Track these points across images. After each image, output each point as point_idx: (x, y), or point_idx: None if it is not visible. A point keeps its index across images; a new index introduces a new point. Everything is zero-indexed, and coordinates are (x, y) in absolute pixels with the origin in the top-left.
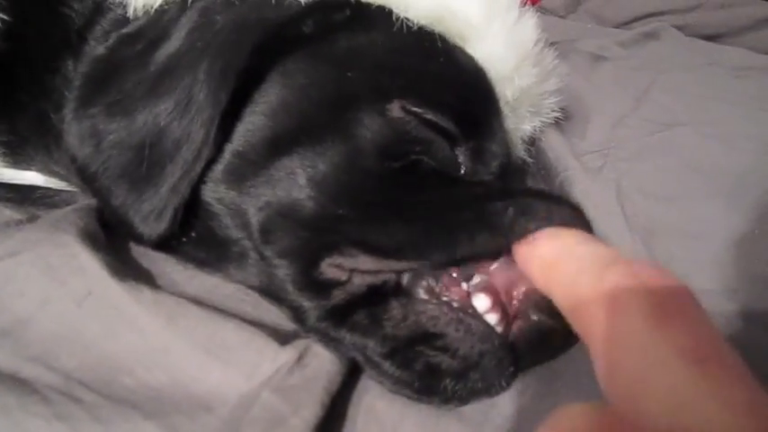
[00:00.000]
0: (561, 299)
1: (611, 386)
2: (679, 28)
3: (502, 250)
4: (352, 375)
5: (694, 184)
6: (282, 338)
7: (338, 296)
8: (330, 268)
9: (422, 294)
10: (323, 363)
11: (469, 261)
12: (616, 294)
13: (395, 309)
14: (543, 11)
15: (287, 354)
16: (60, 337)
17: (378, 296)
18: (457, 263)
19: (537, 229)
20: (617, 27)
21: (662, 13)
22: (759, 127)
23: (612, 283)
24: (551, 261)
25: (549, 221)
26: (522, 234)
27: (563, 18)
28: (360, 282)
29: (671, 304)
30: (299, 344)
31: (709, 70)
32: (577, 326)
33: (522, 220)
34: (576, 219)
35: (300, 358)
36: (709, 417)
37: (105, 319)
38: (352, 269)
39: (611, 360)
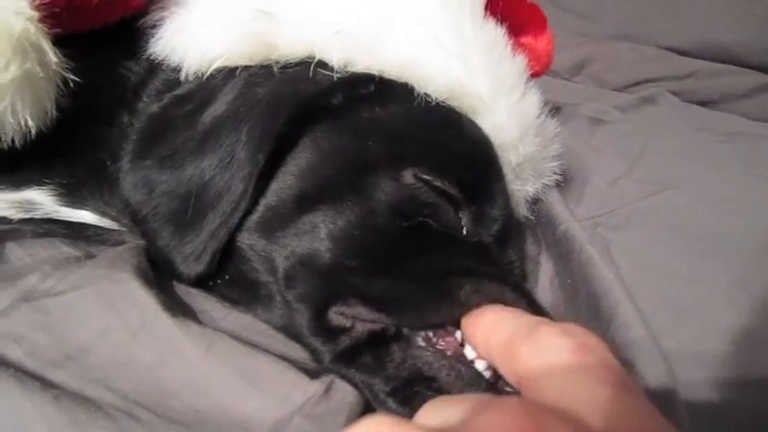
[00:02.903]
0: (497, 351)
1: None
2: (675, 93)
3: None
4: (369, 408)
5: (676, 247)
6: (309, 373)
7: (344, 341)
8: (336, 316)
9: (419, 341)
10: (346, 395)
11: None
12: (546, 339)
13: (395, 352)
14: (549, 73)
15: (315, 386)
16: (117, 363)
17: (380, 340)
18: (427, 327)
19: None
20: (617, 90)
21: (659, 79)
22: (743, 190)
23: (543, 333)
24: (490, 328)
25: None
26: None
27: (567, 80)
28: (362, 328)
29: (588, 345)
30: (326, 379)
31: (699, 135)
32: (508, 366)
33: (473, 298)
34: (520, 297)
35: (327, 391)
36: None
37: (157, 349)
38: (354, 317)
39: (538, 387)
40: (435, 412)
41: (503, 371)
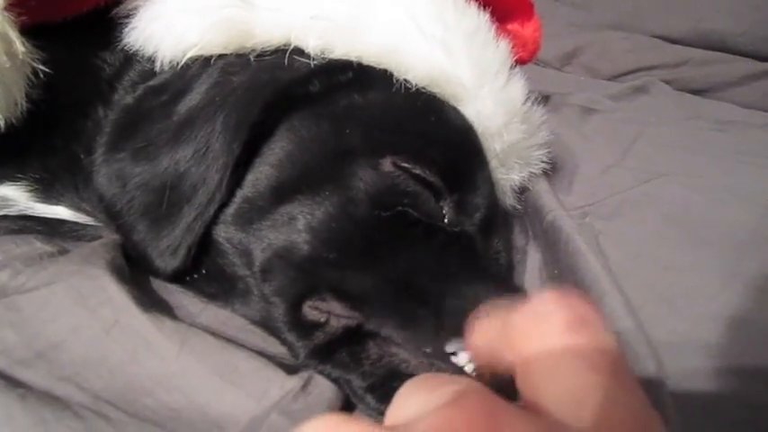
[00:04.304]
0: (496, 332)
1: (525, 383)
2: (668, 82)
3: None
4: (349, 403)
5: (669, 236)
6: (287, 369)
7: (319, 337)
8: (310, 310)
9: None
10: (324, 391)
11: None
12: (541, 312)
13: (372, 349)
14: (539, 63)
15: (293, 382)
16: (89, 361)
17: (356, 336)
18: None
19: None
20: (609, 80)
21: (652, 68)
22: (735, 178)
23: (540, 306)
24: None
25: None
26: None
27: (558, 70)
28: (336, 324)
29: (584, 325)
30: (304, 374)
31: (692, 124)
32: (505, 341)
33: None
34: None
35: (304, 386)
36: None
37: (130, 346)
38: (329, 312)
39: (529, 360)
40: (405, 405)
41: (502, 351)
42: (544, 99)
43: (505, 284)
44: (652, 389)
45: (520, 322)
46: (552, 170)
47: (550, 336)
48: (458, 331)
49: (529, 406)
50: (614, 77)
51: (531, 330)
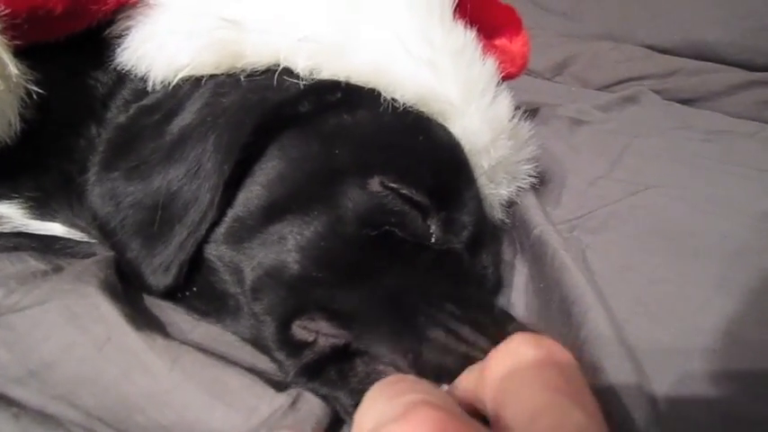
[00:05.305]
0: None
1: (493, 401)
2: (657, 92)
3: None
4: (338, 420)
5: (656, 248)
6: (277, 385)
7: (308, 355)
8: (299, 329)
9: (383, 357)
10: (313, 408)
11: None
12: (513, 345)
13: (359, 367)
14: (530, 73)
15: (282, 399)
16: (82, 379)
17: (344, 355)
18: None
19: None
20: (599, 90)
21: (642, 78)
22: (722, 189)
23: (515, 341)
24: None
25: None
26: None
27: (549, 80)
28: (324, 343)
29: (549, 357)
30: (293, 391)
31: (681, 134)
32: (480, 381)
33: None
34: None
35: (293, 403)
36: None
37: (122, 364)
38: (317, 331)
39: (494, 380)
40: (368, 412)
41: (479, 393)
42: (533, 112)
43: (488, 303)
44: (634, 402)
45: (494, 354)
46: (541, 183)
47: (519, 363)
48: (441, 349)
49: (493, 420)
50: (605, 87)
51: (503, 359)
